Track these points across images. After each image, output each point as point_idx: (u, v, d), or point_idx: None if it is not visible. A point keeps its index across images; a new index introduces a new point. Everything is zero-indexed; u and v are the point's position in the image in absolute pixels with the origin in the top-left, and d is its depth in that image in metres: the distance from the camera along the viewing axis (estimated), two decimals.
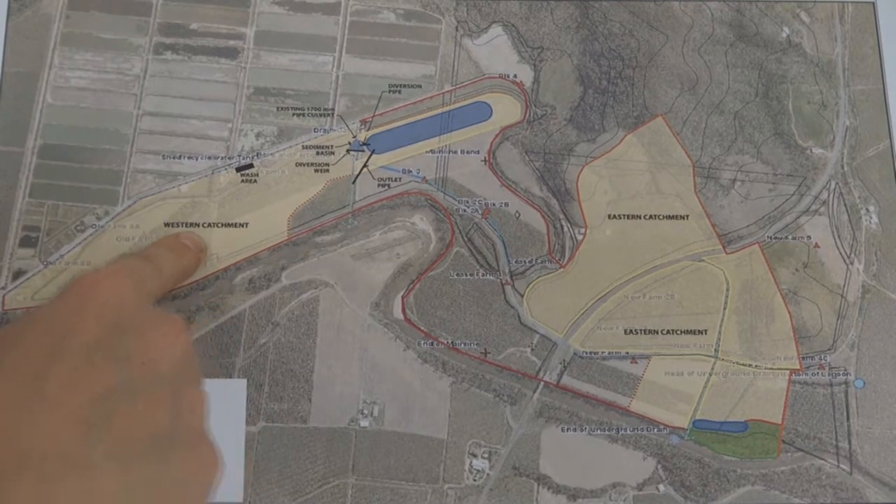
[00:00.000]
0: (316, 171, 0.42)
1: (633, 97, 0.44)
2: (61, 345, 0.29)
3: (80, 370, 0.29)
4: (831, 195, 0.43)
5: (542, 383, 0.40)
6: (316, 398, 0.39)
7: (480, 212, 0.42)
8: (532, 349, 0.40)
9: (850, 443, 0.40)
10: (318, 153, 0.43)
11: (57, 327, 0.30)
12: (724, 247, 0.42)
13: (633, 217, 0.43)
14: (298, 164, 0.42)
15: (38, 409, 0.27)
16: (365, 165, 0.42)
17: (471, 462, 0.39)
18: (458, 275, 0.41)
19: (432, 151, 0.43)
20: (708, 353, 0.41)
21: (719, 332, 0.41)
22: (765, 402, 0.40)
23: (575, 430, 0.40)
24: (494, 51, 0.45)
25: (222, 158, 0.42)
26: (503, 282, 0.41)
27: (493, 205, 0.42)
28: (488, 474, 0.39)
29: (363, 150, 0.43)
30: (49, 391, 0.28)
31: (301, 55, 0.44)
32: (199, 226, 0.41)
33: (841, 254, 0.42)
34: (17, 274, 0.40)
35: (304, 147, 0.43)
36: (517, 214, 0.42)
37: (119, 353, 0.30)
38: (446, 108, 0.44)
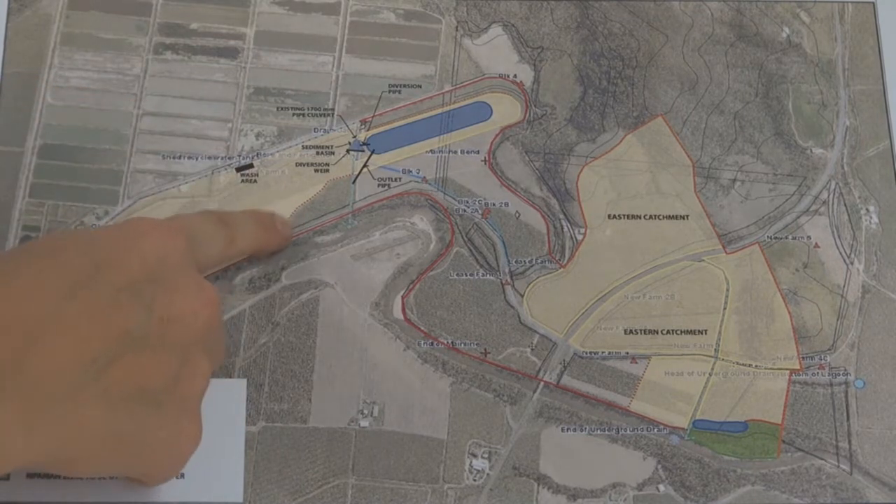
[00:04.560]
0: (316, 171, 0.42)
1: (633, 97, 0.44)
2: (94, 275, 0.29)
3: (102, 304, 0.28)
4: (831, 195, 0.43)
5: (542, 383, 0.40)
6: (316, 398, 0.39)
7: (480, 212, 0.42)
8: (532, 349, 0.40)
9: (850, 443, 0.40)
10: (318, 153, 0.43)
11: (96, 254, 0.29)
12: (724, 247, 0.42)
13: (633, 217, 0.43)
14: (298, 164, 0.42)
15: (50, 331, 0.27)
16: (365, 165, 0.42)
17: (471, 462, 0.39)
18: (458, 275, 0.41)
19: (432, 151, 0.43)
20: (708, 353, 0.41)
21: (719, 332, 0.41)
22: (765, 402, 0.40)
23: (575, 430, 0.40)
24: (494, 51, 0.45)
25: (222, 158, 0.42)
26: (503, 282, 0.41)
27: (493, 205, 0.42)
28: (488, 474, 0.39)
29: (363, 150, 0.43)
30: (68, 315, 0.27)
31: (301, 55, 0.44)
32: None
33: (841, 254, 0.42)
34: None
35: (304, 147, 0.43)
36: (517, 214, 0.42)
37: (144, 301, 0.30)
38: (446, 108, 0.44)
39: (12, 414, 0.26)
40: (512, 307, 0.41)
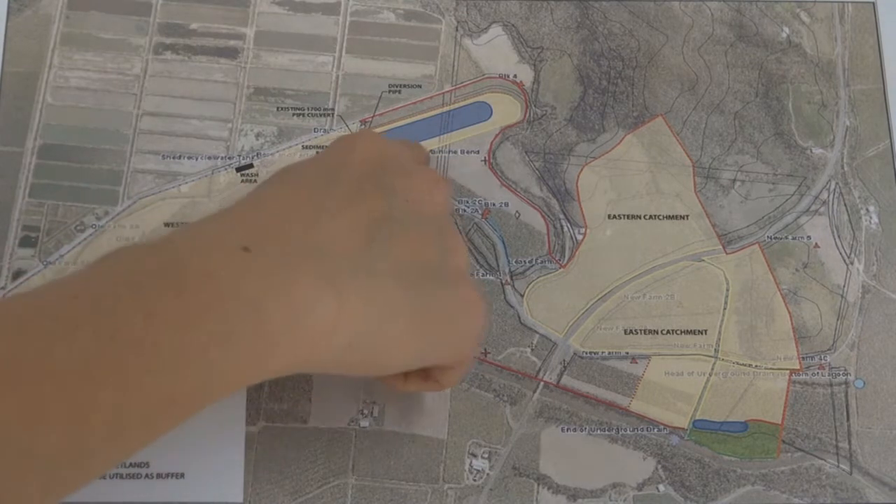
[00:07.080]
0: None
1: (633, 97, 0.44)
2: (333, 176, 0.30)
3: (353, 193, 0.30)
4: (831, 195, 0.43)
5: (542, 383, 0.40)
6: (316, 398, 0.39)
7: (480, 212, 0.42)
8: (532, 349, 0.40)
9: (850, 443, 0.40)
10: (318, 153, 0.42)
11: (327, 164, 0.31)
12: (723, 247, 0.42)
13: (633, 217, 0.43)
14: None
15: (324, 216, 0.28)
16: None
17: (471, 462, 0.39)
18: None
19: (432, 151, 0.43)
20: (708, 353, 0.41)
21: (719, 332, 0.41)
22: (765, 402, 0.40)
23: (575, 430, 0.40)
24: (494, 51, 0.45)
25: (222, 158, 0.42)
26: (503, 282, 0.41)
27: (493, 205, 0.42)
28: (488, 474, 0.39)
29: None
30: (330, 205, 0.29)
31: (301, 55, 0.44)
32: None
33: (841, 254, 0.42)
34: (17, 274, 0.40)
35: (304, 147, 0.43)
36: (517, 214, 0.42)
37: (385, 185, 0.31)
38: (446, 108, 0.44)
39: (320, 280, 0.26)
40: (512, 307, 0.41)
